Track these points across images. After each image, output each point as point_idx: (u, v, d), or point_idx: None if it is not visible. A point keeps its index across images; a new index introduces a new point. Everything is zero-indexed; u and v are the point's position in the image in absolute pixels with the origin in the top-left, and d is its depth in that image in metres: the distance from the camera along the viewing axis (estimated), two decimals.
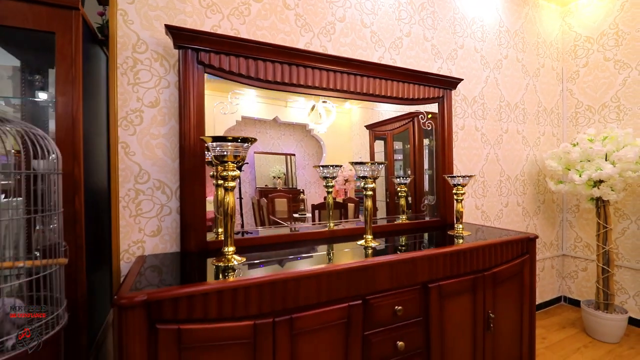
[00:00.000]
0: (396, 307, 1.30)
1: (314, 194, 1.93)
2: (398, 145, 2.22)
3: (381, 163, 1.53)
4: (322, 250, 1.52)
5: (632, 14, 2.68)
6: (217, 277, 1.10)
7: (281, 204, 1.84)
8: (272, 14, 1.75)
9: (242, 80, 1.57)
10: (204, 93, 1.48)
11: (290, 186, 1.89)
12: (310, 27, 1.87)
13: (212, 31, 1.55)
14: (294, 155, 1.90)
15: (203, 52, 1.45)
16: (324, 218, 1.89)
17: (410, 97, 2.05)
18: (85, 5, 1.42)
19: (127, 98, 1.43)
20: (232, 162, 1.17)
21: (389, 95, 1.97)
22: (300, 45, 1.83)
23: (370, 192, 1.51)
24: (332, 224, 1.84)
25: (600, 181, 2.38)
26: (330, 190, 1.84)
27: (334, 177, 1.85)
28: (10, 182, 0.96)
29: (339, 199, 2.02)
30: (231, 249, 1.21)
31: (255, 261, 1.30)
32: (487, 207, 2.66)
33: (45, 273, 0.91)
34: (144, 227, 1.45)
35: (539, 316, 2.87)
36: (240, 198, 1.71)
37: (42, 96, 1.31)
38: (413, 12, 2.27)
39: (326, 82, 1.76)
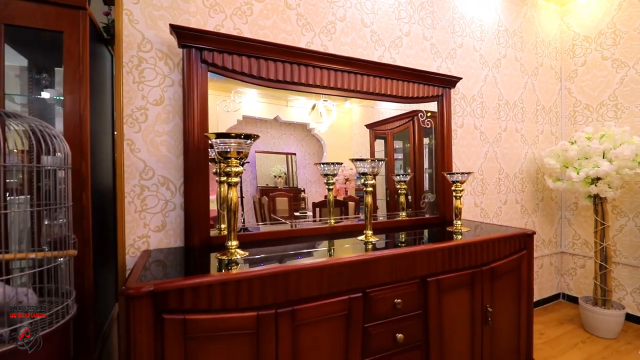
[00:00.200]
0: (396, 300, 1.33)
1: (314, 193, 1.95)
2: (398, 144, 2.25)
3: (381, 160, 1.55)
4: (323, 246, 1.55)
5: (630, 14, 2.71)
6: (220, 270, 1.13)
7: (282, 203, 1.86)
8: (274, 14, 1.78)
9: (245, 79, 1.60)
10: (208, 91, 1.51)
11: (291, 185, 1.92)
12: (312, 26, 1.90)
13: (215, 30, 1.58)
14: (294, 154, 1.92)
15: (207, 51, 1.48)
16: (324, 216, 1.91)
17: (410, 95, 2.08)
18: (91, 5, 1.45)
19: (133, 96, 1.46)
20: (235, 159, 1.20)
21: (389, 93, 2.00)
22: (302, 44, 1.86)
23: (370, 189, 1.54)
24: (332, 221, 1.87)
25: (598, 178, 2.41)
26: (331, 187, 1.87)
27: (334, 175, 1.88)
28: (17, 179, 0.99)
29: (340, 198, 2.04)
30: (234, 243, 1.24)
31: (258, 255, 1.33)
32: (486, 204, 2.69)
33: (57, 264, 0.94)
34: (149, 222, 1.48)
35: (537, 313, 2.90)
36: (242, 197, 1.74)
37: (48, 94, 1.35)
38: (412, 12, 2.29)
39: (327, 80, 1.79)
